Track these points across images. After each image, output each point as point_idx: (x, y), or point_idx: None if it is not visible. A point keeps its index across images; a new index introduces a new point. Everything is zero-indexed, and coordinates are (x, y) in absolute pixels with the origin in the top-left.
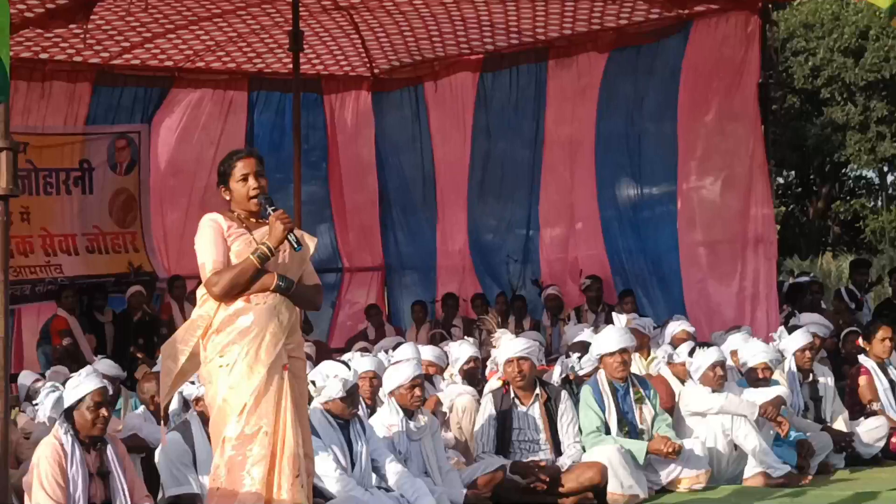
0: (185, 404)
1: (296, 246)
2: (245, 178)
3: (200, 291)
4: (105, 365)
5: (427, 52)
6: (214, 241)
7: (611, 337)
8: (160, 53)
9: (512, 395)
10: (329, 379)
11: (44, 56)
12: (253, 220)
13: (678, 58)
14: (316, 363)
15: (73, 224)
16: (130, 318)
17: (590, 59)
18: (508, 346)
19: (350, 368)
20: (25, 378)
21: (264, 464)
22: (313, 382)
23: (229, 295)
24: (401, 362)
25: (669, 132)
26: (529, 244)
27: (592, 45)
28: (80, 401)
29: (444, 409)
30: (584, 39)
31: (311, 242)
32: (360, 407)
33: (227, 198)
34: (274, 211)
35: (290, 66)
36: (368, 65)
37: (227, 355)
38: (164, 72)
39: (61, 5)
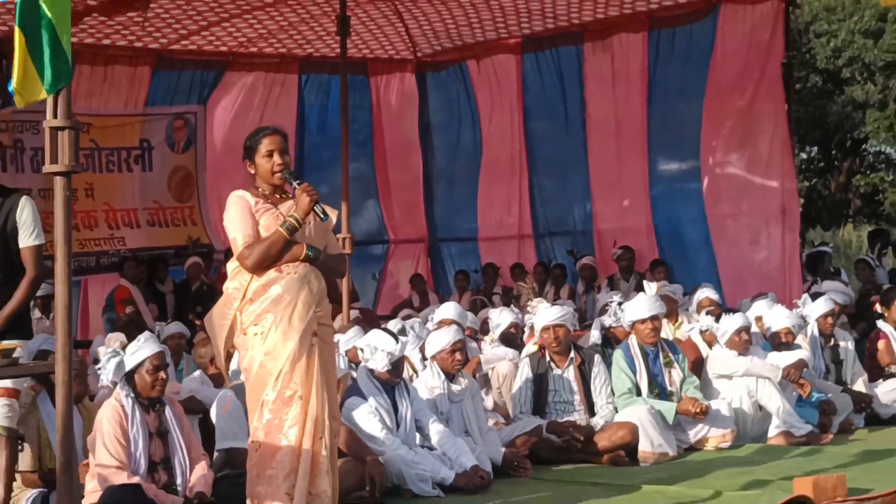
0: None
1: (322, 216)
2: (270, 154)
3: (232, 265)
4: (175, 326)
5: (467, 36)
6: (243, 217)
7: (642, 304)
8: (215, 40)
9: (548, 359)
10: (377, 352)
11: (106, 42)
12: (277, 195)
13: (709, 40)
14: (364, 329)
15: (135, 199)
16: (189, 288)
17: (623, 41)
18: (544, 313)
19: (397, 341)
20: (98, 343)
21: (299, 426)
22: (361, 349)
23: (262, 266)
24: (442, 328)
25: (697, 111)
26: (573, 215)
27: (626, 28)
28: (140, 364)
29: (485, 370)
30: (620, 22)
31: (332, 214)
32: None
33: (252, 172)
34: (299, 184)
35: (338, 50)
36: (412, 49)
37: (261, 323)
38: (219, 56)
39: None
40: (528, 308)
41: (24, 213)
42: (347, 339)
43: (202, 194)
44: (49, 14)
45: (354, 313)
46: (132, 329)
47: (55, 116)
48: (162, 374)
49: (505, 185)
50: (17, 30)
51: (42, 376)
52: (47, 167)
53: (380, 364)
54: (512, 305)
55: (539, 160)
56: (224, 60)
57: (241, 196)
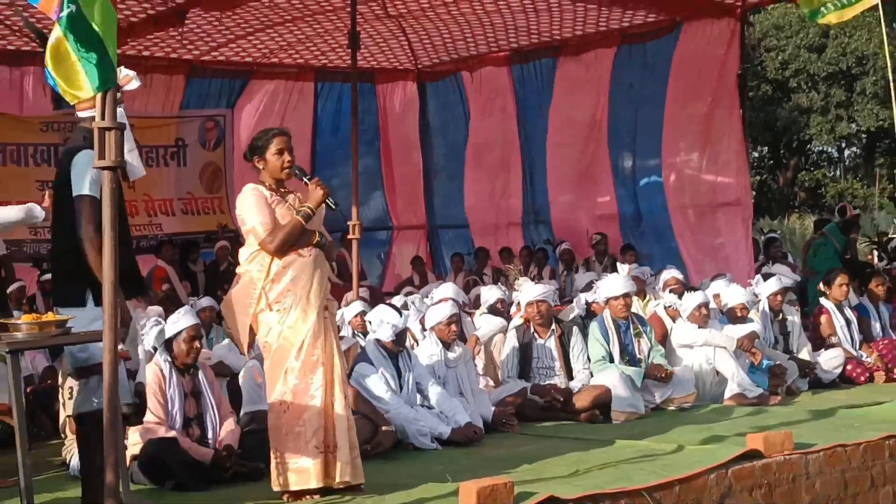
0: None
1: (333, 206)
2: (281, 152)
3: (248, 250)
4: (207, 300)
5: (462, 50)
6: (261, 207)
7: (616, 282)
8: (241, 51)
9: (532, 330)
10: (383, 324)
11: (146, 53)
12: (281, 189)
13: (669, 54)
14: (371, 304)
15: (171, 190)
16: (218, 268)
17: (597, 54)
18: (529, 290)
19: (400, 315)
20: (139, 317)
21: (323, 388)
22: (369, 322)
23: (283, 250)
24: (440, 303)
25: (659, 116)
26: (546, 206)
27: (598, 44)
28: (178, 334)
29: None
30: (594, 38)
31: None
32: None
33: (261, 167)
34: (310, 179)
35: (349, 61)
36: (413, 60)
37: (283, 301)
38: (245, 66)
39: (161, 12)
40: (516, 286)
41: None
42: (352, 312)
43: (230, 186)
44: (97, 28)
45: (363, 291)
46: (168, 304)
47: (103, 118)
48: (196, 344)
49: (494, 180)
50: (60, 37)
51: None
52: (97, 162)
53: (386, 335)
54: (500, 284)
55: (524, 158)
56: (249, 70)
57: (257, 188)
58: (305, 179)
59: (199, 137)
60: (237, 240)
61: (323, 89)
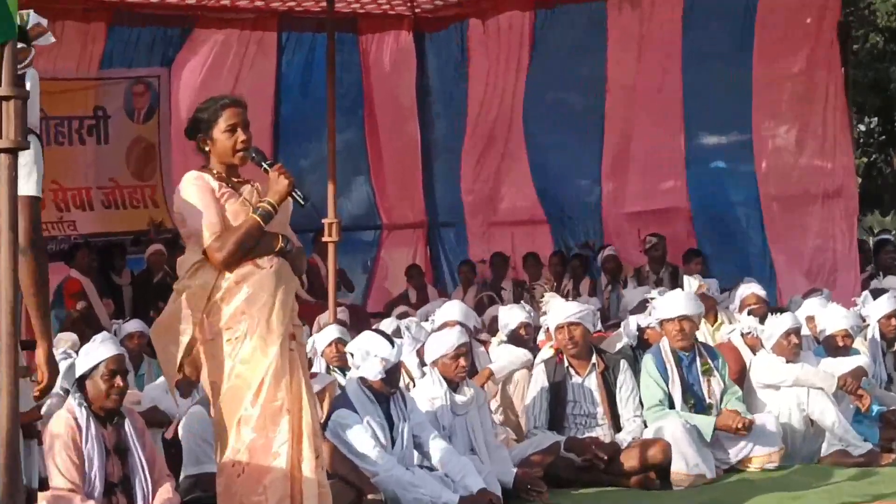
0: None
1: (302, 202)
2: (232, 129)
3: (190, 260)
4: (135, 323)
5: None
6: (206, 203)
7: (674, 301)
8: None
9: (566, 364)
10: (369, 357)
11: None
12: (233, 178)
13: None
14: (352, 329)
15: (88, 177)
16: (150, 280)
17: (656, 1)
18: (558, 310)
19: (393, 345)
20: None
21: (289, 444)
22: (351, 354)
23: (235, 260)
24: (444, 328)
25: (744, 79)
26: (589, 198)
27: None
28: (94, 369)
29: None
30: None
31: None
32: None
33: (206, 149)
34: (271, 165)
35: (323, 3)
36: (409, 3)
37: (235, 327)
38: (186, 11)
39: None
40: (542, 304)
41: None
42: (327, 339)
43: (166, 171)
44: None
45: (341, 312)
46: (84, 327)
47: None
48: (118, 381)
49: (516, 159)
50: None
51: None
52: None
53: (373, 372)
54: (524, 302)
55: (550, 132)
56: (192, 16)
57: (200, 177)
58: (265, 165)
59: (124, 105)
60: (176, 243)
61: (289, 41)
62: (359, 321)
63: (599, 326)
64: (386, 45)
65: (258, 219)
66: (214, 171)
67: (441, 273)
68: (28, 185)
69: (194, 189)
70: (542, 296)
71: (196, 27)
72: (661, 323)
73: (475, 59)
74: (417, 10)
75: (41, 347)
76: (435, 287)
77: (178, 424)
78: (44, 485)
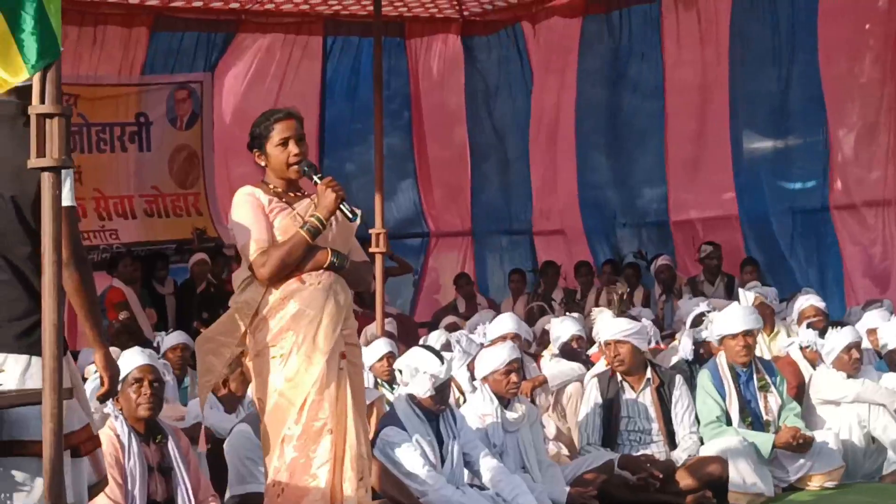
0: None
1: (350, 216)
2: (284, 143)
3: (241, 275)
4: (178, 335)
5: None
6: (255, 218)
7: (734, 316)
8: None
9: (619, 379)
10: (418, 374)
11: None
12: (291, 192)
13: None
14: (400, 339)
15: (130, 185)
16: (194, 290)
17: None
18: (606, 326)
19: (442, 362)
20: (87, 356)
21: (329, 466)
22: (399, 371)
23: (280, 276)
24: (496, 344)
25: (806, 82)
26: (643, 204)
27: None
28: (123, 381)
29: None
30: None
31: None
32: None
33: (262, 164)
34: (321, 179)
35: (370, 7)
36: (458, 7)
37: (280, 344)
38: (230, 15)
39: None
40: (592, 317)
41: None
42: (376, 354)
43: (209, 179)
44: None
45: (389, 323)
46: (126, 339)
47: (42, 101)
48: (146, 389)
49: (569, 166)
50: None
51: None
52: (33, 161)
53: (422, 389)
54: (573, 312)
55: (607, 136)
56: (235, 20)
57: (251, 193)
58: (316, 178)
59: (167, 112)
60: (220, 252)
61: (335, 45)
62: (406, 331)
63: (657, 339)
64: (434, 49)
65: (304, 234)
66: (270, 186)
67: (490, 282)
68: (64, 195)
69: (244, 204)
70: (622, 296)
71: (239, 32)
72: (722, 339)
73: (535, 63)
74: (466, 14)
75: (99, 353)
76: (484, 296)
77: (207, 438)
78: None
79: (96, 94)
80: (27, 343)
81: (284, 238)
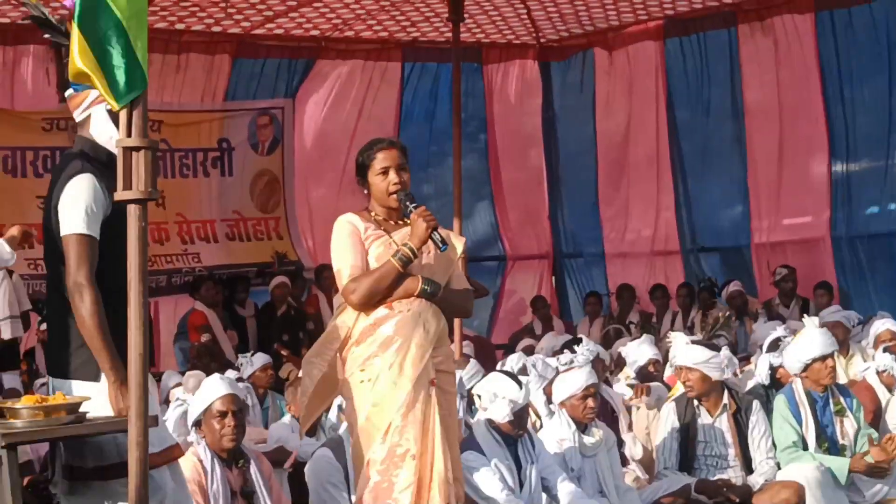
0: None
1: (441, 246)
2: (385, 172)
3: (338, 300)
4: (262, 357)
5: (599, 20)
6: (351, 245)
7: (817, 340)
8: (306, 22)
9: (695, 403)
10: (496, 399)
11: (180, 26)
12: (392, 221)
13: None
14: (477, 359)
15: (212, 209)
16: (274, 312)
17: (785, 23)
18: (680, 351)
19: (520, 387)
20: (169, 378)
21: (412, 490)
22: (478, 396)
23: (369, 303)
24: (573, 369)
25: (879, 100)
26: (722, 226)
27: (787, 8)
28: (206, 411)
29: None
30: (778, 2)
31: (458, 243)
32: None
33: (365, 191)
34: (415, 208)
35: (448, 34)
36: (534, 34)
37: (368, 369)
38: (310, 42)
39: None
40: (668, 340)
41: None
42: (470, 377)
43: (290, 203)
44: (119, 14)
45: (466, 346)
46: (208, 360)
47: (129, 134)
48: (230, 422)
49: (646, 189)
50: (75, 30)
51: None
52: (119, 194)
53: (500, 414)
54: (648, 335)
55: (684, 159)
56: (315, 47)
57: (349, 221)
58: (411, 208)
59: (249, 137)
60: (299, 275)
61: (413, 71)
62: (484, 353)
63: (733, 366)
64: (511, 74)
65: (395, 263)
66: (371, 214)
67: (567, 304)
68: (75, 223)
69: (340, 230)
70: (722, 318)
71: (320, 58)
72: (808, 365)
73: (601, 88)
74: (543, 40)
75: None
76: (561, 319)
77: (295, 457)
78: None
79: (179, 120)
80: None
81: (378, 265)
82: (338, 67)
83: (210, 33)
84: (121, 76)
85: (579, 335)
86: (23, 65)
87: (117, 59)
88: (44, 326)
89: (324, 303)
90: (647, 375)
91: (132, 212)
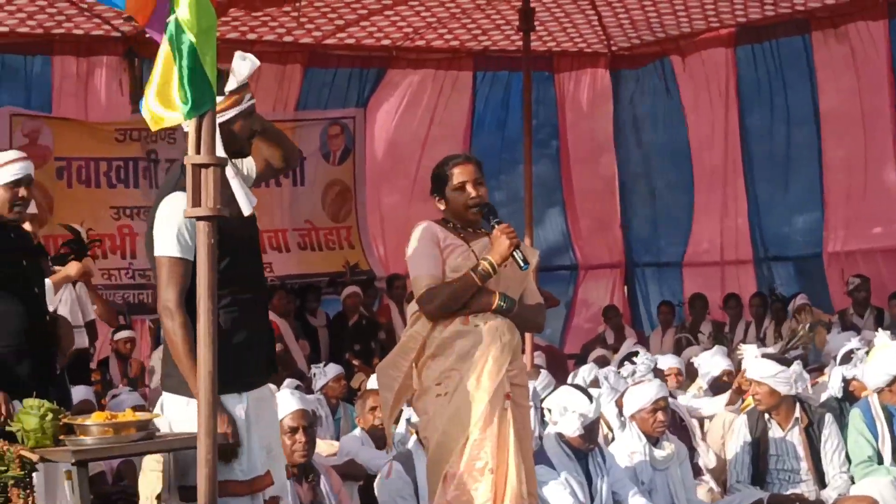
0: None
1: (522, 264)
2: (462, 187)
3: (412, 308)
4: (334, 368)
5: (671, 27)
6: (429, 254)
7: (889, 358)
8: (377, 31)
9: (767, 417)
10: (567, 413)
11: (251, 36)
12: (470, 230)
13: None
14: (549, 369)
15: (284, 219)
16: (346, 322)
17: (859, 29)
18: (749, 364)
19: (591, 400)
20: None
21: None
22: (549, 410)
23: (445, 314)
24: (643, 381)
25: None
26: (796, 235)
27: (860, 15)
28: None
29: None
30: (851, 9)
31: (532, 258)
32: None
33: (442, 207)
34: (498, 223)
35: (519, 43)
36: (606, 42)
37: (445, 383)
38: (381, 51)
39: None
40: (738, 351)
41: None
42: (542, 388)
43: (361, 213)
44: (190, 33)
45: (538, 356)
46: (280, 369)
47: (198, 152)
48: (300, 437)
49: (718, 197)
50: (165, 41)
51: None
52: (190, 211)
53: (571, 428)
54: (721, 345)
55: (756, 167)
56: (387, 56)
57: (429, 228)
58: (493, 223)
59: (320, 147)
60: (371, 284)
61: (484, 80)
62: (556, 363)
63: (801, 387)
64: (583, 82)
65: (474, 276)
66: (449, 224)
67: (639, 314)
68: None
69: (419, 239)
70: (802, 333)
71: (391, 68)
72: (894, 378)
73: (686, 95)
74: (614, 48)
75: None
76: (633, 328)
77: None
78: None
79: None
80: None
81: (456, 276)
82: (409, 76)
83: (282, 43)
84: (189, 91)
85: (651, 345)
86: (96, 76)
87: (186, 74)
88: (120, 336)
89: (395, 312)
90: (721, 386)
91: (201, 228)
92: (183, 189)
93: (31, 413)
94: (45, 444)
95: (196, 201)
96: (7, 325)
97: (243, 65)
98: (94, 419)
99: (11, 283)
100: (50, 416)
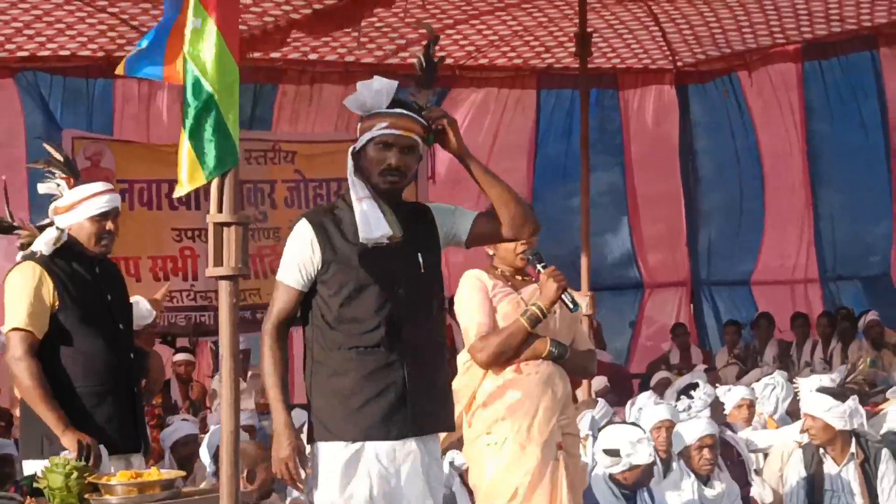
0: None
1: (571, 307)
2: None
3: (463, 358)
4: None
5: (737, 43)
6: (479, 302)
7: None
8: (439, 50)
9: (821, 452)
10: (625, 454)
11: (313, 56)
12: (518, 277)
13: None
14: (613, 390)
15: None
16: None
17: None
18: (805, 398)
19: (644, 432)
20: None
21: None
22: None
23: (496, 362)
24: (692, 418)
25: None
26: (868, 251)
27: None
28: None
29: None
30: None
31: (582, 301)
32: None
33: (491, 252)
34: (545, 268)
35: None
36: (671, 58)
37: (495, 432)
38: (445, 70)
39: (330, 6)
40: (794, 384)
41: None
42: (600, 417)
43: None
44: (211, 89)
45: (598, 380)
46: None
47: (220, 210)
48: None
49: (787, 215)
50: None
51: None
52: (211, 270)
53: (619, 467)
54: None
55: (825, 184)
56: (450, 75)
57: (477, 277)
58: (539, 267)
59: None
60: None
61: (547, 98)
62: (620, 384)
63: (857, 423)
64: (648, 99)
65: (524, 322)
66: (498, 270)
67: (705, 333)
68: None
69: (468, 287)
70: (862, 366)
71: (454, 86)
72: None
73: (755, 111)
74: (679, 64)
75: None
76: (699, 347)
77: None
78: None
79: (314, 150)
80: None
81: (506, 324)
82: (472, 95)
83: (344, 63)
84: (212, 150)
85: (717, 363)
86: (158, 98)
87: (209, 133)
88: (178, 358)
89: (456, 332)
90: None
91: (223, 287)
92: (307, 217)
93: (56, 471)
94: (70, 502)
95: (218, 260)
96: (93, 365)
97: (367, 92)
98: (118, 478)
99: (97, 320)
100: (75, 474)
